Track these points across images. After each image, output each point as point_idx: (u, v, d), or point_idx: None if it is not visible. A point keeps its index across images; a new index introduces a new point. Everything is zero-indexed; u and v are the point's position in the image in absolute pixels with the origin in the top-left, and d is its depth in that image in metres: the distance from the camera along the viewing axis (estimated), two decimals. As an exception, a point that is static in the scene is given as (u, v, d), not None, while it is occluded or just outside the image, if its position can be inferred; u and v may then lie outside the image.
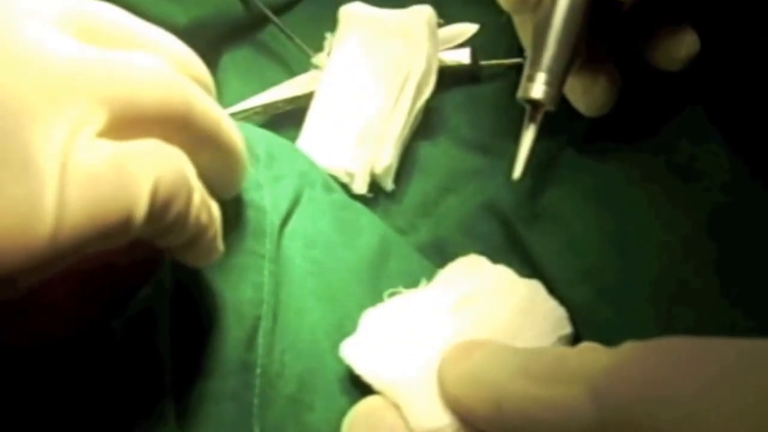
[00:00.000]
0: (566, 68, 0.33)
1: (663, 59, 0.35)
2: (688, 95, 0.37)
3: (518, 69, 0.37)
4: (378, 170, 0.37)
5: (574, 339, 0.31)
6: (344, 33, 0.39)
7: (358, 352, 0.30)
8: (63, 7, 0.23)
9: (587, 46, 0.33)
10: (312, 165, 0.35)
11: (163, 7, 0.41)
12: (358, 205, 0.36)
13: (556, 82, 0.33)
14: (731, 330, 0.33)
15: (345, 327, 0.31)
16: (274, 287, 0.31)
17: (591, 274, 0.34)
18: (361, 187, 0.37)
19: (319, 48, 0.41)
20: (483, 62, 0.40)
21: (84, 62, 0.21)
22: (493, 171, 0.38)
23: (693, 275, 0.33)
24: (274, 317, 0.30)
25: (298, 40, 0.41)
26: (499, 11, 0.35)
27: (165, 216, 0.22)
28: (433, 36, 0.39)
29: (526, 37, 0.35)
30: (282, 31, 0.41)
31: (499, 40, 0.38)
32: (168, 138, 0.23)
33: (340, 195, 0.35)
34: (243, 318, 0.30)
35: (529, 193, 0.36)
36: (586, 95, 0.35)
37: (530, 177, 0.36)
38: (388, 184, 0.37)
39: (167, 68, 0.23)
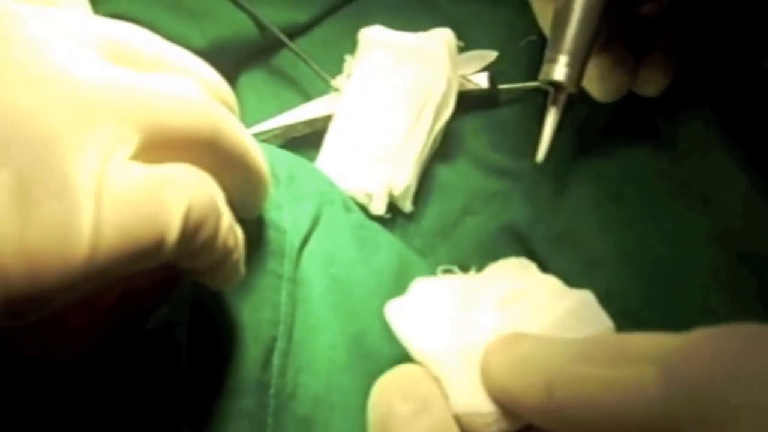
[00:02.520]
0: (587, 50, 0.33)
1: (636, 86, 0.35)
2: (700, 104, 0.37)
3: (537, 92, 0.37)
4: (397, 192, 0.36)
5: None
6: (364, 56, 0.39)
7: (403, 315, 0.29)
8: (100, 30, 0.23)
9: (606, 29, 0.33)
10: (331, 184, 0.35)
11: (181, 29, 0.42)
12: (376, 225, 0.36)
13: (578, 64, 0.33)
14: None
15: (364, 341, 0.31)
16: (291, 308, 0.31)
17: (613, 295, 0.34)
18: (379, 208, 0.36)
19: (335, 71, 0.41)
20: (502, 86, 0.40)
21: (118, 85, 0.22)
22: (511, 193, 0.38)
23: (713, 294, 0.33)
24: (290, 337, 0.30)
25: (314, 65, 0.41)
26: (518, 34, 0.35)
27: (194, 240, 0.23)
28: (452, 59, 0.39)
29: (545, 21, 0.35)
30: (298, 56, 0.41)
31: (518, 63, 0.38)
32: (196, 160, 0.23)
33: (358, 214, 0.35)
34: (260, 338, 0.30)
35: (547, 216, 0.36)
36: (602, 81, 0.35)
37: (547, 198, 0.36)
38: (407, 206, 0.37)
39: (198, 91, 0.23)
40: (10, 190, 0.19)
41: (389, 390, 0.26)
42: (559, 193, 0.36)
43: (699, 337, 0.21)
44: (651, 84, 0.34)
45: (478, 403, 0.27)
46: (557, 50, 0.33)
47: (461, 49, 0.40)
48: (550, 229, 0.36)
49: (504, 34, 0.37)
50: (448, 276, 0.32)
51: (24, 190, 0.19)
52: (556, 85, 0.33)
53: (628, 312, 0.33)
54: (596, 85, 0.35)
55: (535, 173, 0.37)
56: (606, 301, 0.33)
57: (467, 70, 0.40)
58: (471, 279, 0.32)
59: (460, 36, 0.39)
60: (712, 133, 0.37)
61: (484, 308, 0.31)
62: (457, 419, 0.27)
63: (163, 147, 0.22)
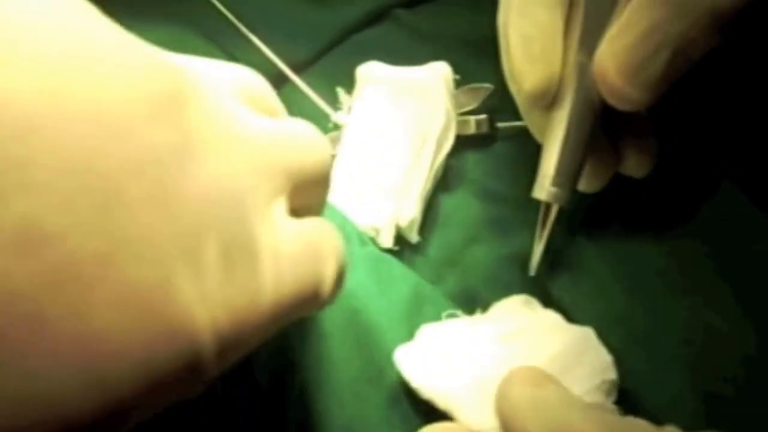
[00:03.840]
0: (578, 169, 0.34)
1: (623, 169, 0.36)
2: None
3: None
4: (403, 224, 0.37)
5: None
6: (362, 92, 0.40)
7: (411, 359, 0.32)
8: (233, 76, 0.24)
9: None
10: (346, 219, 0.36)
11: None
12: (391, 257, 0.36)
13: (569, 184, 0.34)
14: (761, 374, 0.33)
15: (385, 373, 0.32)
16: (311, 345, 0.31)
17: (620, 321, 0.35)
18: (387, 240, 0.37)
19: (334, 108, 0.41)
20: (500, 124, 0.41)
21: (274, 139, 0.23)
22: (515, 221, 0.39)
23: (719, 319, 0.34)
24: (309, 371, 0.31)
25: (321, 101, 0.41)
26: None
27: (340, 288, 0.24)
28: (450, 92, 0.40)
29: (536, 130, 0.36)
30: (302, 89, 0.42)
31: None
32: (308, 196, 0.24)
33: (373, 248, 0.36)
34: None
35: (553, 243, 0.37)
36: (586, 177, 0.36)
37: (553, 229, 0.36)
38: (413, 237, 0.38)
39: (316, 132, 0.25)
40: (218, 255, 0.20)
41: None
42: (560, 220, 0.37)
43: None
44: (637, 168, 0.35)
45: (485, 423, 0.29)
46: (548, 169, 0.34)
47: (458, 83, 0.41)
48: (556, 256, 0.37)
49: (500, 66, 0.38)
50: (452, 320, 0.34)
51: (227, 254, 0.20)
52: (547, 203, 0.34)
53: (636, 336, 0.35)
54: (581, 180, 0.36)
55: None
56: (615, 325, 0.35)
57: (465, 104, 0.41)
58: (474, 319, 0.34)
59: (456, 70, 0.40)
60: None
61: (487, 344, 0.32)
62: None
63: (298, 190, 0.23)
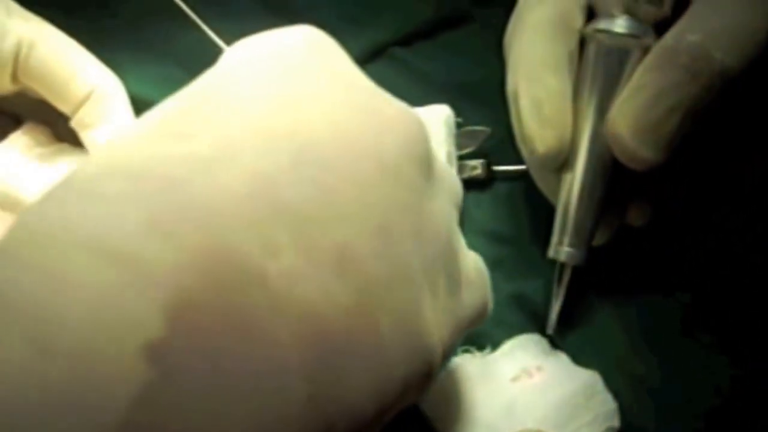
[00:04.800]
0: (592, 228, 0.35)
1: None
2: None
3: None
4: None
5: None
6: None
7: (426, 396, 0.33)
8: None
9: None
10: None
11: (168, 72, 0.42)
12: None
13: (584, 243, 0.35)
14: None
15: None
16: None
17: (622, 364, 0.36)
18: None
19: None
20: (497, 168, 0.42)
21: (449, 172, 0.27)
22: (516, 261, 0.39)
23: (721, 365, 0.36)
24: None
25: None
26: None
27: None
28: (451, 134, 0.40)
29: (548, 192, 0.37)
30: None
31: (512, 137, 0.39)
32: None
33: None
34: None
35: (552, 283, 0.37)
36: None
37: (552, 266, 0.37)
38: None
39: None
40: (445, 281, 0.24)
41: None
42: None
43: None
44: (638, 218, 0.37)
45: None
46: (563, 230, 0.35)
47: (459, 125, 0.41)
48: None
49: (498, 110, 0.38)
50: (466, 355, 0.35)
51: (449, 281, 0.24)
52: (562, 263, 0.35)
53: (638, 379, 0.36)
54: None
55: (536, 241, 0.39)
56: (617, 368, 0.35)
57: (463, 147, 0.41)
58: (488, 357, 0.35)
59: (456, 113, 0.41)
60: None
61: (498, 385, 0.33)
62: None
63: None
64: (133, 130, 0.20)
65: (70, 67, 0.36)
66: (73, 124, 0.37)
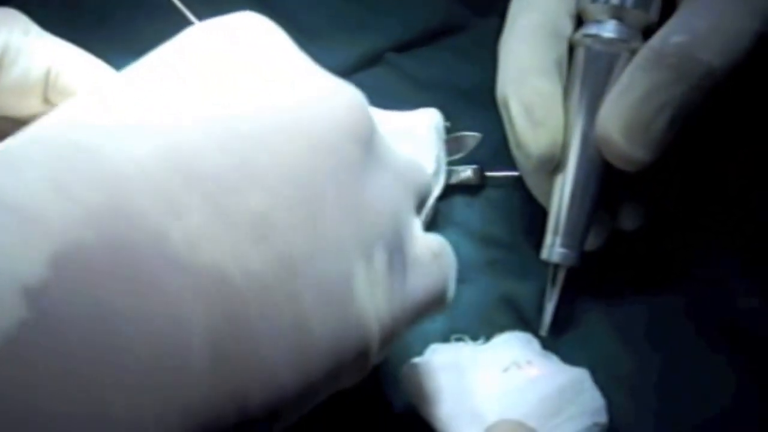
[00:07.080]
0: (585, 230, 0.35)
1: (616, 224, 0.37)
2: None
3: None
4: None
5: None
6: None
7: (416, 378, 0.33)
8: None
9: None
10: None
11: None
12: None
13: (577, 245, 0.35)
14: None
15: None
16: None
17: (613, 366, 0.36)
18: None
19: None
20: (488, 173, 0.41)
21: (407, 162, 0.27)
22: (505, 264, 0.39)
23: (709, 365, 0.35)
24: None
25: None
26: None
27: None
28: (440, 138, 0.40)
29: (540, 194, 0.37)
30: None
31: (505, 143, 0.39)
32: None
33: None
34: None
35: (543, 288, 0.37)
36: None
37: (541, 267, 0.37)
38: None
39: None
40: (385, 260, 0.23)
41: None
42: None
43: None
44: (630, 222, 0.36)
45: None
46: (556, 231, 0.35)
47: (448, 130, 0.41)
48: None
49: (489, 113, 0.38)
50: (459, 343, 0.36)
51: (390, 260, 0.24)
52: (556, 264, 0.35)
53: (622, 377, 0.36)
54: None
55: (528, 244, 0.39)
56: (602, 366, 0.35)
57: (454, 152, 0.41)
58: (479, 347, 0.35)
59: (446, 116, 0.41)
60: None
61: (488, 374, 0.33)
62: None
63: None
64: (70, 102, 0.22)
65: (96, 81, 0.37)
66: None
